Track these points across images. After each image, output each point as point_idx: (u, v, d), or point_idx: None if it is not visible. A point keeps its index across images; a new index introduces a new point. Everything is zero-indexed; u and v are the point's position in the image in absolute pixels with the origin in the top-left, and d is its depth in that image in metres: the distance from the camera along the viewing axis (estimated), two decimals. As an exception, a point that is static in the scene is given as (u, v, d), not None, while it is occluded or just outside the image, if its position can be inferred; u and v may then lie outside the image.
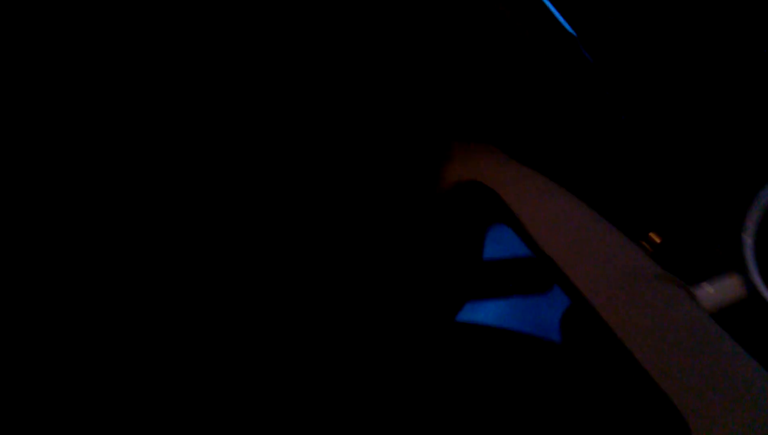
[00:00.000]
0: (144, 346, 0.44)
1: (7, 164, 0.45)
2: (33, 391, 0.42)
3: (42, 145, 0.46)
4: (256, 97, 0.50)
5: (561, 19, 0.58)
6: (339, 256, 0.49)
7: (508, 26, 0.56)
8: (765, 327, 0.50)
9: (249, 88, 0.50)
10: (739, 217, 0.53)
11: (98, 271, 0.45)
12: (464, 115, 0.57)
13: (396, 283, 0.49)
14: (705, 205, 0.59)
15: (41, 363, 0.43)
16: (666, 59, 0.59)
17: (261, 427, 0.43)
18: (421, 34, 0.53)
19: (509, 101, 0.58)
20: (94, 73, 0.47)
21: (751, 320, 0.52)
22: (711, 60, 0.57)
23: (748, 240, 0.52)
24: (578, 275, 0.44)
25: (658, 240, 0.60)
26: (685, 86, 0.58)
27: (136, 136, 0.48)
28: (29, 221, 0.45)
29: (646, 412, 0.40)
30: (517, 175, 0.52)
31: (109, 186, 0.47)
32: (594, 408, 0.44)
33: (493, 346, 0.48)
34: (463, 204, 0.53)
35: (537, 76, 0.58)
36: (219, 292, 0.47)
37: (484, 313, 0.51)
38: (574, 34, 0.58)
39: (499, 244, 0.53)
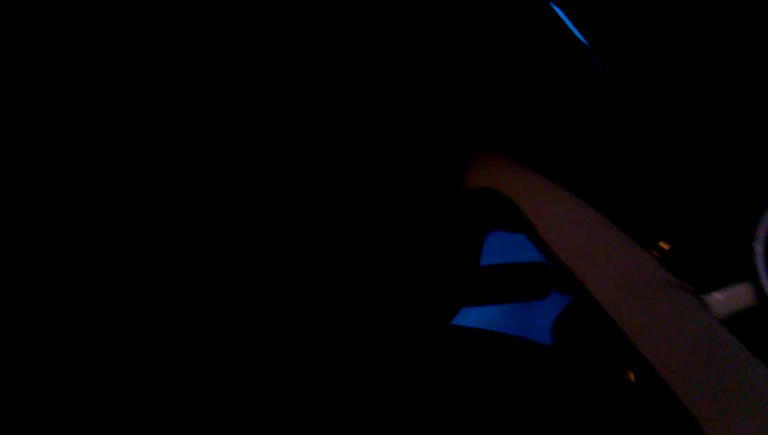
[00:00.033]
0: (144, 345, 0.45)
1: (6, 164, 0.45)
2: (33, 391, 0.42)
3: (42, 145, 0.46)
4: (280, 100, 0.50)
5: (573, 29, 0.59)
6: (339, 258, 0.49)
7: (520, 34, 0.57)
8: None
9: (274, 93, 0.50)
10: (749, 226, 0.54)
11: (98, 270, 0.45)
12: (476, 123, 0.57)
13: (394, 285, 0.49)
14: (715, 213, 0.60)
15: (41, 363, 0.43)
16: (678, 69, 0.59)
17: (261, 427, 0.43)
18: (441, 47, 0.54)
19: (522, 110, 0.59)
20: (95, 73, 0.47)
21: (761, 327, 0.52)
22: (722, 70, 0.58)
23: (759, 248, 0.53)
24: (592, 281, 0.45)
25: (667, 248, 0.60)
26: (698, 97, 0.59)
27: (137, 137, 0.48)
28: (29, 221, 0.45)
29: (660, 415, 0.41)
30: (530, 182, 0.52)
31: (109, 186, 0.47)
32: (595, 411, 0.44)
33: (487, 349, 0.48)
34: (475, 210, 0.53)
35: (548, 85, 0.58)
36: (219, 292, 0.47)
37: (476, 317, 0.51)
38: (586, 43, 0.59)
39: (493, 252, 0.53)
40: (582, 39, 0.59)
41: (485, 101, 0.57)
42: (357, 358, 0.46)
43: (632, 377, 0.47)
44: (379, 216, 0.51)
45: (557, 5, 0.58)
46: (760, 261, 0.52)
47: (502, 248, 0.53)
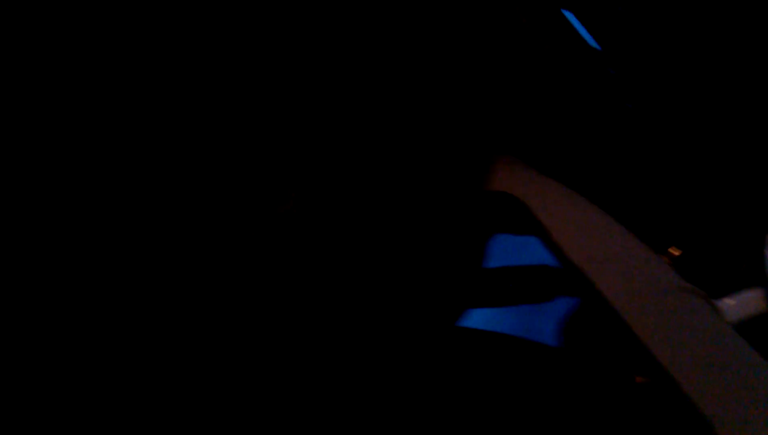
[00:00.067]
0: (144, 345, 0.45)
1: (6, 164, 0.45)
2: (33, 391, 0.43)
3: (42, 144, 0.46)
4: (294, 102, 0.51)
5: (585, 34, 0.59)
6: (344, 258, 0.49)
7: (530, 40, 0.57)
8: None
9: (290, 96, 0.51)
10: (760, 233, 0.54)
11: (98, 270, 0.46)
12: (490, 127, 0.58)
13: (400, 286, 0.49)
14: (726, 220, 0.60)
15: (41, 363, 0.43)
16: (691, 76, 0.59)
17: (261, 427, 0.43)
18: (455, 53, 0.54)
19: (535, 114, 0.59)
20: (94, 73, 0.47)
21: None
22: (735, 78, 0.58)
23: (771, 254, 0.53)
24: (605, 284, 0.45)
25: (677, 253, 0.60)
26: (711, 104, 0.59)
27: (137, 137, 0.48)
28: (29, 221, 0.45)
29: (671, 418, 0.41)
30: (543, 186, 0.52)
31: (109, 186, 0.47)
32: (604, 412, 0.44)
33: (493, 350, 0.48)
34: (485, 212, 0.53)
35: (561, 90, 0.59)
36: (221, 291, 0.47)
37: (480, 319, 0.51)
38: (598, 48, 0.59)
39: (498, 255, 0.53)
40: (594, 44, 0.59)
41: (499, 106, 0.57)
42: (362, 359, 0.46)
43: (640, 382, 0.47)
44: (386, 217, 0.51)
45: (570, 11, 0.59)
46: (772, 267, 0.53)
47: (503, 251, 0.53)
